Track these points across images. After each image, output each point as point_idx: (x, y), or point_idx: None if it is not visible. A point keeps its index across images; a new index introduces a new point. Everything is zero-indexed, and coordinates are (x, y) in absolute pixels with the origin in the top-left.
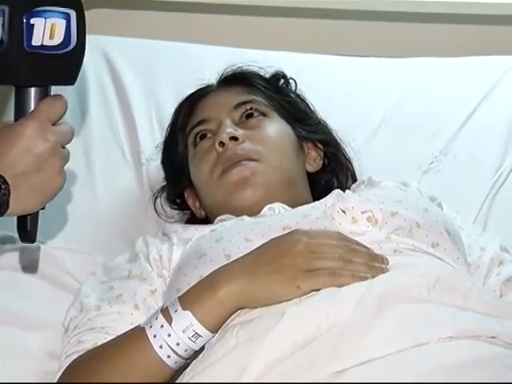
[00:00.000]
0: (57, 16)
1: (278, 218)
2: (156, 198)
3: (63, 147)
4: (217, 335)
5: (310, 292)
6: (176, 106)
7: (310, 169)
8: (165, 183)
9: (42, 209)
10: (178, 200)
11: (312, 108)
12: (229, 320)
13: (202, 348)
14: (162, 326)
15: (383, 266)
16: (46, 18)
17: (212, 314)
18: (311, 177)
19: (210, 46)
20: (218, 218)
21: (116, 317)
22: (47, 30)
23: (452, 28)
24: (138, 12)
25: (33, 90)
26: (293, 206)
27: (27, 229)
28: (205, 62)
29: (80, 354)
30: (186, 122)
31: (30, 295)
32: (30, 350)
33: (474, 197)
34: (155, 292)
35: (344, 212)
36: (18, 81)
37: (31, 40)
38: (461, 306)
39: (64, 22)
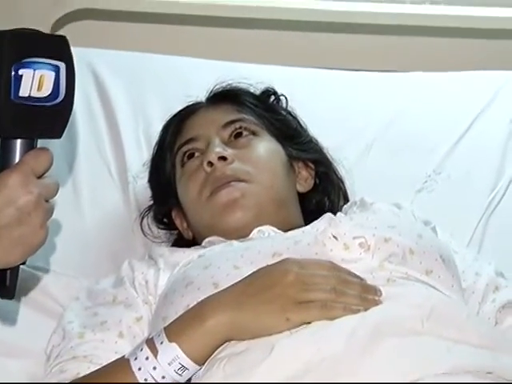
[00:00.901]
0: (46, 68)
1: (267, 244)
2: (143, 218)
3: (47, 201)
4: (203, 368)
5: (301, 324)
6: (164, 123)
7: (301, 189)
8: (152, 202)
9: (23, 264)
10: (165, 220)
11: (303, 125)
12: (216, 352)
13: (189, 379)
14: (147, 359)
15: (376, 297)
16: (35, 70)
17: (199, 345)
18: (302, 197)
19: (200, 60)
20: (207, 239)
21: (100, 345)
22: (35, 82)
23: (447, 42)
24: (126, 24)
25: (18, 141)
26: (283, 228)
27: (6, 284)
28: (194, 76)
29: None
30: (174, 140)
31: (11, 320)
32: (11, 377)
33: (469, 216)
34: (141, 319)
35: (336, 238)
36: (3, 131)
37: (19, 91)
38: (456, 339)
39: (53, 74)
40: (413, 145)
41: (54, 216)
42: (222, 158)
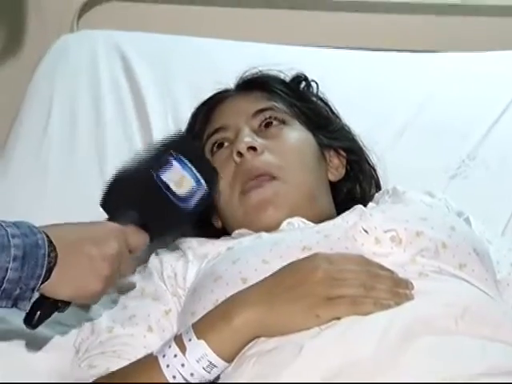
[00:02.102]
0: (191, 175)
1: (296, 237)
2: None
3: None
4: (232, 365)
5: (331, 321)
6: (193, 109)
7: (332, 178)
8: None
9: (61, 311)
10: None
11: (335, 111)
12: (245, 349)
13: (218, 377)
14: (175, 356)
15: (407, 291)
16: (183, 168)
17: (227, 343)
18: (333, 185)
19: (228, 41)
20: (236, 231)
21: (129, 340)
22: (178, 177)
23: (482, 21)
24: (153, 5)
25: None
26: (314, 220)
27: (34, 317)
28: (222, 58)
29: (92, 380)
30: (203, 130)
31: None
32: (36, 372)
33: (504, 203)
34: (169, 312)
35: (366, 232)
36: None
37: (163, 173)
38: (491, 338)
39: (194, 183)
40: (446, 129)
41: (81, 201)
42: (252, 148)
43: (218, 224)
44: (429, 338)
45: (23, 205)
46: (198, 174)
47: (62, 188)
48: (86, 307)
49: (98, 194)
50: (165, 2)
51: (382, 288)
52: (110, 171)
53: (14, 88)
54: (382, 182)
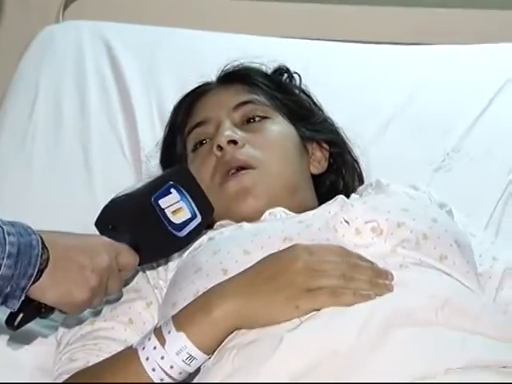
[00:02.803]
0: (188, 207)
1: (278, 228)
2: None
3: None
4: (213, 358)
5: (311, 312)
6: (175, 103)
7: (315, 171)
8: None
9: (43, 317)
10: None
11: (318, 104)
12: (225, 342)
13: (198, 370)
14: (154, 348)
15: (387, 282)
16: (181, 199)
17: (207, 335)
18: (316, 178)
19: (214, 33)
20: (218, 223)
21: (109, 333)
22: (176, 206)
23: (466, 13)
24: None
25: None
26: (296, 211)
27: (16, 319)
28: (208, 50)
29: (71, 373)
30: (185, 123)
31: None
32: (19, 365)
33: (488, 196)
34: (150, 305)
35: (347, 223)
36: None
37: (160, 198)
38: (470, 330)
39: (190, 215)
40: (431, 122)
41: (65, 194)
42: (233, 142)
43: None
44: (408, 330)
45: (8, 196)
46: (194, 207)
47: (47, 179)
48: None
49: (81, 189)
50: None
51: (362, 279)
52: (95, 168)
53: None
54: (365, 175)
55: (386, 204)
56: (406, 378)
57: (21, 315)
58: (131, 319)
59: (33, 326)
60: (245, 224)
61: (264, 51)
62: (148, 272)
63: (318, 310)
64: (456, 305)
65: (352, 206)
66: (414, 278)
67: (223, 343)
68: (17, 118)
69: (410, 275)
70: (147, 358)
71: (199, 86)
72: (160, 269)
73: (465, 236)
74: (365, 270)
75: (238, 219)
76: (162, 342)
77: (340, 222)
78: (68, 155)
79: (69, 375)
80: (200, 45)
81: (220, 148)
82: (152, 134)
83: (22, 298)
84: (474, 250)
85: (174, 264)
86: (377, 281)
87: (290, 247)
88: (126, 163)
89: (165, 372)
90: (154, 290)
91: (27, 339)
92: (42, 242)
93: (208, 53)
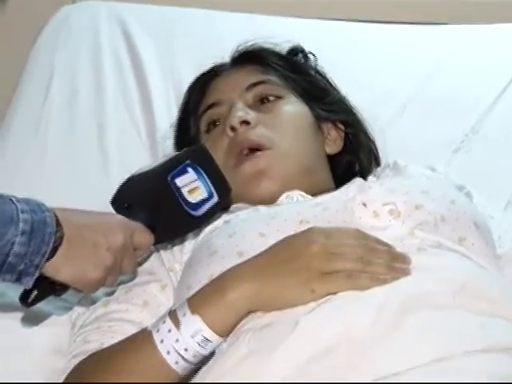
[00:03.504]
0: (205, 186)
1: (294, 210)
2: None
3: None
4: (228, 340)
5: (326, 295)
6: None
7: (330, 151)
8: None
9: (57, 295)
10: None
11: (333, 84)
12: (240, 324)
13: (212, 353)
14: (169, 331)
15: (405, 266)
16: (198, 178)
17: (222, 317)
18: (332, 158)
19: (231, 13)
20: (234, 205)
21: (124, 315)
22: (192, 186)
23: None
24: None
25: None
26: (313, 193)
27: (30, 296)
28: (225, 30)
29: (86, 355)
30: (198, 104)
31: None
32: (33, 346)
33: (507, 177)
34: (165, 287)
35: (365, 205)
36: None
37: (177, 177)
38: (489, 313)
39: (206, 194)
40: (449, 103)
41: (80, 178)
42: (245, 123)
43: None
44: (426, 313)
45: (22, 184)
46: (211, 186)
47: (61, 162)
48: (89, 293)
49: (97, 173)
50: None
51: (379, 262)
52: (110, 149)
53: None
54: (383, 157)
55: (404, 186)
56: (422, 359)
57: (35, 292)
58: (146, 301)
59: (45, 306)
60: (261, 207)
61: (280, 31)
62: (163, 255)
63: (334, 293)
64: (474, 288)
65: (370, 188)
66: (432, 261)
67: (238, 326)
68: (32, 100)
69: (428, 258)
70: (162, 341)
71: (212, 68)
72: (175, 251)
73: (484, 218)
74: (382, 253)
75: (254, 202)
76: (177, 324)
77: (357, 205)
78: (83, 137)
79: (83, 357)
80: (217, 25)
81: (233, 129)
82: (168, 116)
83: (36, 275)
84: (493, 232)
85: (189, 247)
86: (394, 265)
87: (306, 230)
88: (142, 145)
89: (179, 355)
90: (169, 272)
91: (39, 320)
92: (57, 220)
93: (225, 33)
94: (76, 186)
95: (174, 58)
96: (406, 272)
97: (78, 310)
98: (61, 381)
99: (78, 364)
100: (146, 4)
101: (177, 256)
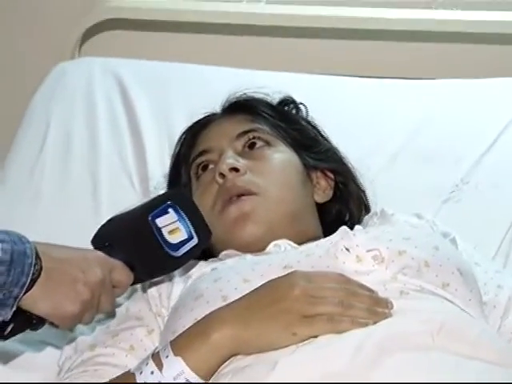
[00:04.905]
0: (185, 228)
1: (279, 257)
2: None
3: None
4: (209, 382)
5: (308, 339)
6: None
7: (319, 199)
8: None
9: (34, 329)
10: None
11: (324, 134)
12: (222, 367)
13: None
14: (152, 373)
15: (386, 310)
16: (179, 219)
17: (204, 360)
18: (321, 207)
19: (225, 68)
20: (223, 253)
21: (110, 359)
22: (172, 226)
23: (474, 48)
24: (153, 33)
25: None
26: (299, 241)
27: (6, 329)
28: (218, 84)
29: None
30: (189, 153)
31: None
32: None
33: (496, 228)
34: (152, 332)
35: (348, 250)
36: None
37: (158, 217)
38: (468, 355)
39: (186, 235)
40: (440, 154)
41: (73, 225)
42: (234, 170)
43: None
44: (402, 355)
45: (17, 226)
46: (191, 228)
47: (55, 211)
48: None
49: (89, 220)
50: (162, 30)
51: (361, 306)
52: (103, 198)
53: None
54: (373, 205)
55: (388, 233)
56: None
57: (11, 325)
58: (132, 346)
59: (32, 350)
60: (248, 255)
61: (270, 85)
62: (151, 300)
63: (316, 336)
64: (453, 328)
65: (354, 235)
66: (413, 304)
67: (220, 369)
68: (28, 151)
69: (410, 302)
70: (144, 383)
71: (203, 117)
72: (163, 297)
73: (468, 265)
74: (364, 297)
75: (241, 247)
76: (160, 366)
77: (341, 250)
78: (77, 187)
79: None
80: (209, 79)
81: (222, 176)
82: (161, 166)
83: (15, 307)
84: (479, 279)
85: (176, 292)
86: (375, 309)
87: (288, 274)
88: (135, 194)
89: None
90: (156, 317)
91: (26, 364)
92: (36, 252)
93: (216, 86)
94: (69, 232)
95: (168, 109)
96: (387, 316)
97: (65, 354)
98: None
99: None
100: (140, 60)
101: (164, 302)
